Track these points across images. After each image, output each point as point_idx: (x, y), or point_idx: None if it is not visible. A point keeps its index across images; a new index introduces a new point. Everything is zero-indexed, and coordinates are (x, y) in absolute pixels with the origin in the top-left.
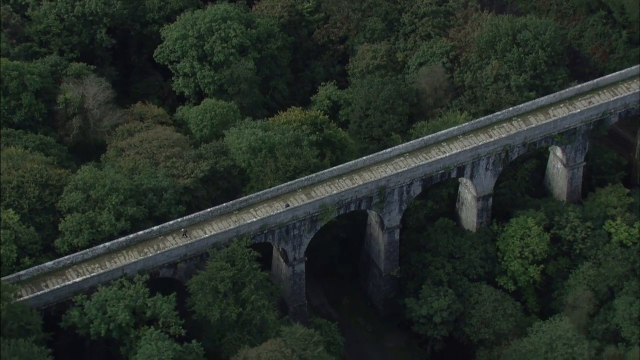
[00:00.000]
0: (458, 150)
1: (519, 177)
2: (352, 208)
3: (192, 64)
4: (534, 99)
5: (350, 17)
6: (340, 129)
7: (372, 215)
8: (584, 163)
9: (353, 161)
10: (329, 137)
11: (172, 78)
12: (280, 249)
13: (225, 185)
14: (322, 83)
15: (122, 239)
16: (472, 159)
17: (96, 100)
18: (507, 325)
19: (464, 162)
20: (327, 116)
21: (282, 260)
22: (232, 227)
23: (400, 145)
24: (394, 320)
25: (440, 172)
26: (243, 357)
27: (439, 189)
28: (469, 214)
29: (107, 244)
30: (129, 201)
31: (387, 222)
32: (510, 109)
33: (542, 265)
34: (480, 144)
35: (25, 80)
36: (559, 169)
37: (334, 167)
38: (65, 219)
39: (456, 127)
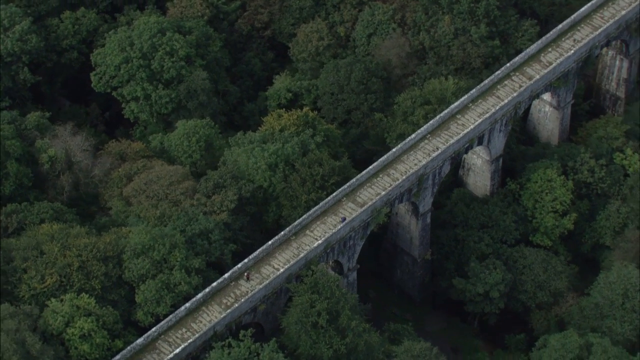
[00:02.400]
0: (479, 120)
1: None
2: (396, 204)
3: (142, 86)
4: (498, 47)
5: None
6: (322, 120)
7: (401, 205)
8: (573, 101)
9: (384, 156)
10: (326, 133)
11: (123, 105)
12: (332, 263)
13: (253, 210)
14: (277, 75)
15: (199, 295)
16: (491, 125)
17: (83, 150)
18: (563, 283)
19: (484, 129)
20: (315, 112)
21: (335, 273)
22: (301, 255)
23: (422, 129)
24: (428, 304)
25: (466, 145)
26: None
27: None
28: (479, 179)
29: (187, 304)
30: (189, 254)
31: (422, 208)
32: (508, 64)
33: (575, 214)
34: (497, 108)
35: (6, 147)
36: (547, 112)
37: (370, 167)
38: (141, 289)
39: (466, 95)
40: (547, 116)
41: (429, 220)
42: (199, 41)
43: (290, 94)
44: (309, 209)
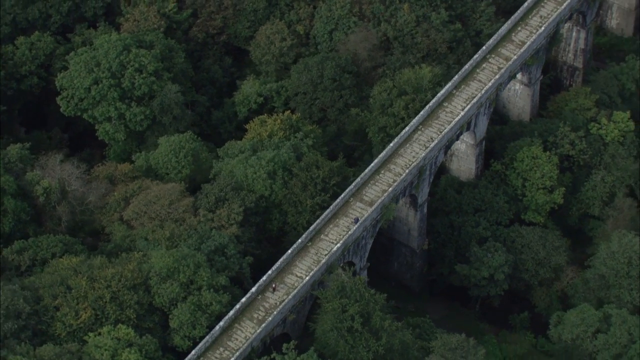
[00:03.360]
0: (469, 106)
1: None
2: (401, 198)
3: (115, 105)
4: (460, 30)
5: (223, 3)
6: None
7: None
8: (542, 77)
9: (383, 152)
10: (313, 134)
11: (97, 127)
12: (344, 264)
13: (257, 220)
14: (240, 80)
15: (230, 313)
16: (477, 109)
17: (77, 178)
18: (562, 258)
19: (472, 114)
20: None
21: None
22: (322, 260)
23: (414, 120)
24: (426, 293)
25: (458, 132)
26: None
27: None
28: (464, 163)
29: (221, 323)
30: (212, 272)
31: (420, 199)
32: (484, 47)
33: (563, 188)
34: (483, 92)
35: (1, 184)
36: (518, 90)
37: (372, 164)
38: (174, 313)
39: (450, 82)
40: (518, 94)
41: (425, 210)
42: (163, 54)
43: (261, 98)
44: (314, 213)
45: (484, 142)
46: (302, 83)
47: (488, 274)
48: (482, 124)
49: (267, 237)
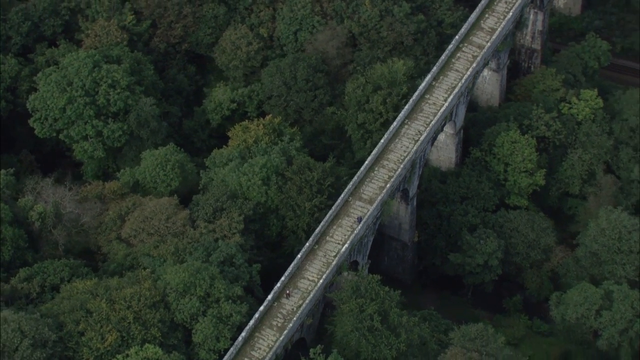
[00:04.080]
0: (451, 97)
1: None
2: (397, 193)
3: (92, 123)
4: (423, 21)
5: (182, 12)
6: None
7: None
8: (509, 62)
9: (375, 149)
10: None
11: (74, 146)
12: (349, 263)
13: (256, 227)
14: (216, 86)
15: (251, 322)
16: (458, 98)
17: (71, 200)
18: (551, 238)
19: (454, 104)
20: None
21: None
22: (333, 262)
23: (400, 114)
24: (417, 285)
25: (442, 124)
26: None
27: None
28: (443, 153)
29: (243, 334)
30: (225, 282)
31: (411, 192)
32: (457, 37)
33: (544, 170)
34: (463, 81)
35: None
36: (486, 76)
37: (366, 161)
38: (197, 328)
39: (429, 74)
40: (487, 80)
41: (415, 203)
42: (132, 68)
43: (235, 104)
44: (312, 215)
45: (462, 131)
46: (276, 86)
47: (482, 260)
48: (462, 113)
49: (266, 244)
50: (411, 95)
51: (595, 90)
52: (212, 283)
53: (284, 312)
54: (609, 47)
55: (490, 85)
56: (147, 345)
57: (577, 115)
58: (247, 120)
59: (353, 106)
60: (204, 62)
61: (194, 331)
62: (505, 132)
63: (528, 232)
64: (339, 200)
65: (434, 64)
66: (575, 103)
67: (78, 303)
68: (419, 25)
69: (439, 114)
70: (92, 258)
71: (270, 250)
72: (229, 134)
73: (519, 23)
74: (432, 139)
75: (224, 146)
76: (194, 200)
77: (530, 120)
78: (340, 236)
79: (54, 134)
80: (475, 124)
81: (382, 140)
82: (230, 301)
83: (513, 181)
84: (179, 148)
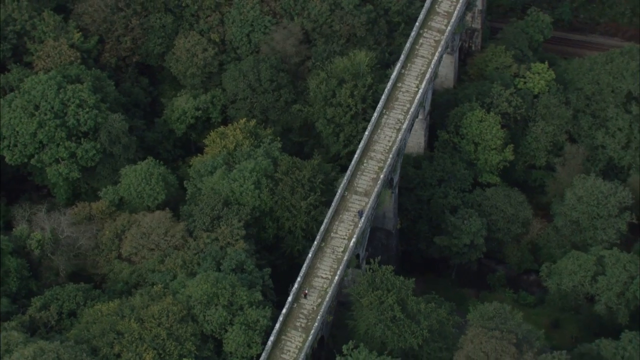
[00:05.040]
0: (424, 82)
1: None
2: (387, 182)
3: (64, 145)
4: (372, 11)
5: (130, 24)
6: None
7: None
8: (460, 43)
9: (361, 142)
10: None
11: (47, 170)
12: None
13: (253, 231)
14: (179, 94)
15: (277, 326)
16: (428, 83)
17: (67, 224)
18: (529, 211)
19: (426, 89)
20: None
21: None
22: (344, 258)
23: (378, 106)
24: (402, 271)
25: (419, 109)
26: (465, 356)
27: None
28: (412, 138)
29: (272, 338)
30: (245, 289)
31: (395, 180)
32: (417, 24)
33: (511, 145)
34: (432, 66)
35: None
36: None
37: (356, 155)
38: (228, 337)
39: (399, 63)
40: (442, 63)
41: (397, 191)
42: (94, 85)
43: (200, 112)
44: (309, 213)
45: (429, 115)
46: (241, 89)
47: (469, 240)
48: (429, 97)
49: (264, 247)
50: (377, 86)
51: (546, 62)
52: (234, 291)
53: (305, 312)
54: (551, 19)
55: (444, 67)
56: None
57: (533, 88)
58: (223, 127)
59: (319, 102)
60: (155, 73)
61: (225, 341)
62: (470, 112)
63: (507, 208)
64: (337, 196)
65: (387, 53)
66: (530, 77)
67: (107, 326)
68: (368, 15)
69: (416, 100)
70: (90, 279)
71: (269, 252)
72: (206, 141)
73: (469, 4)
74: (411, 125)
75: (198, 155)
76: (184, 212)
77: (491, 98)
78: (344, 231)
79: (25, 160)
80: (437, 106)
81: (366, 132)
82: (254, 307)
83: (484, 159)
84: (157, 161)
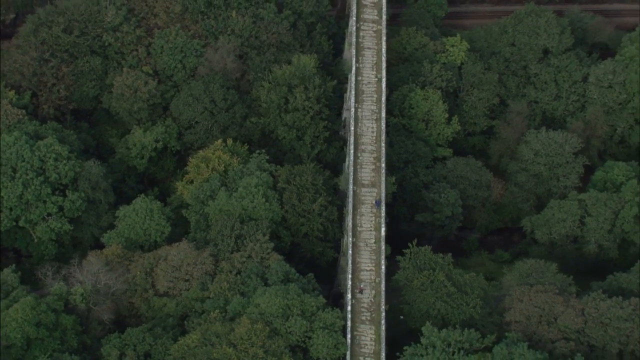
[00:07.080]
0: (383, 71)
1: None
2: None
3: (51, 200)
4: (290, 15)
5: (60, 72)
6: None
7: None
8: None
9: (351, 137)
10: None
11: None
12: None
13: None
14: (124, 134)
15: (348, 324)
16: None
17: (104, 272)
18: (489, 175)
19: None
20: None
21: None
22: (382, 247)
23: (351, 102)
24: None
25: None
26: (520, 314)
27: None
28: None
29: (349, 335)
30: (309, 297)
31: None
32: (353, 17)
33: (456, 116)
34: (383, 56)
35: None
36: None
37: (350, 151)
38: (316, 343)
39: (353, 59)
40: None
41: None
42: (60, 138)
43: (160, 143)
44: (321, 214)
45: None
46: (199, 113)
47: (450, 212)
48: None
49: (282, 255)
50: (329, 84)
51: (458, 35)
52: (302, 299)
53: (365, 305)
54: None
55: None
56: None
57: (455, 61)
58: (203, 152)
59: (273, 110)
60: (88, 116)
61: (312, 347)
62: (412, 92)
63: (470, 175)
64: (350, 192)
65: (317, 53)
66: (450, 51)
67: (204, 356)
68: (289, 20)
69: (383, 88)
70: (124, 322)
71: (287, 260)
72: (187, 168)
73: None
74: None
75: (178, 182)
76: (199, 238)
77: (424, 76)
78: (367, 223)
79: (14, 223)
80: None
81: (351, 128)
82: (323, 311)
83: (437, 134)
84: (149, 198)
